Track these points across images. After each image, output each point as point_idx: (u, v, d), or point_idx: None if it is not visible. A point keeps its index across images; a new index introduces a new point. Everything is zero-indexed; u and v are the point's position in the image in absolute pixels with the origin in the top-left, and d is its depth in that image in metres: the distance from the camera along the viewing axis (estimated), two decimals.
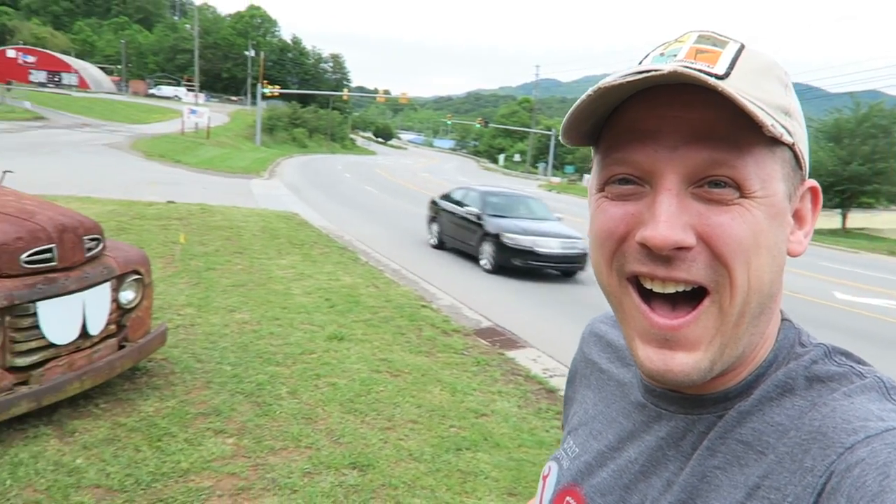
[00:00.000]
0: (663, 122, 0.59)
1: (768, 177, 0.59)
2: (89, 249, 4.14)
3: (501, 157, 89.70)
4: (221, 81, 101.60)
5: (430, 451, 4.14)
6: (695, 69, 0.56)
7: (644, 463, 0.69)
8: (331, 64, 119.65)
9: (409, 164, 63.22)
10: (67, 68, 77.43)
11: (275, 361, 5.32)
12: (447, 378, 5.44)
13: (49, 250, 3.84)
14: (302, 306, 7.11)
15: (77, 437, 3.81)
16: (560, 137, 0.66)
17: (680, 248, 0.58)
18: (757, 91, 0.58)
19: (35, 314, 3.74)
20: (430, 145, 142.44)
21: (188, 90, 77.68)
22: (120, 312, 4.44)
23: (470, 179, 43.91)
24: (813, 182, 0.67)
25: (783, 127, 0.59)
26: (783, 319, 0.69)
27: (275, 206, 16.41)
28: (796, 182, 0.64)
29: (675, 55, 0.60)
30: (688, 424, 0.67)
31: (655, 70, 0.55)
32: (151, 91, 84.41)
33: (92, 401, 4.22)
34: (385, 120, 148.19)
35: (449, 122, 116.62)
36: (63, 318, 3.90)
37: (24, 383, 3.74)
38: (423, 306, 7.99)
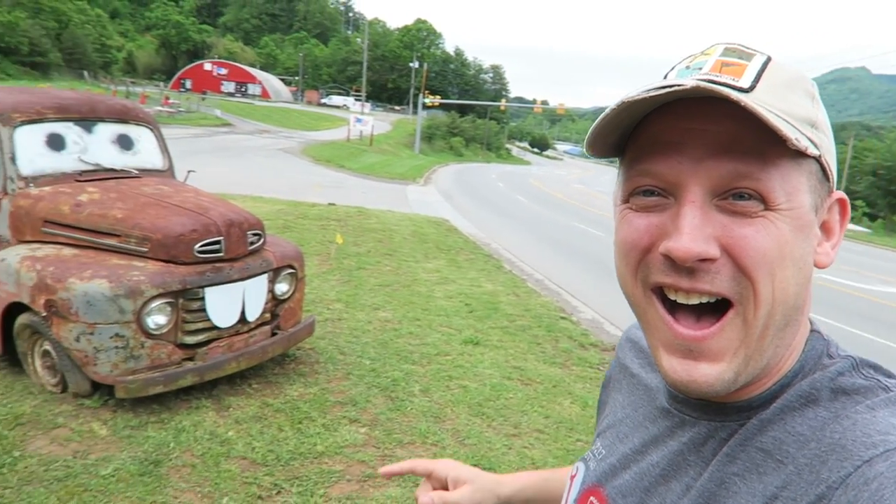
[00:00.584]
0: (688, 134, 0.59)
1: (794, 189, 0.59)
2: (251, 243, 4.57)
3: None
4: (386, 91, 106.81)
5: (554, 462, 4.11)
6: (719, 83, 0.57)
7: (665, 467, 0.70)
8: (491, 75, 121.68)
9: (562, 174, 62.62)
10: (253, 79, 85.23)
11: (411, 360, 5.54)
12: (579, 391, 5.37)
13: (218, 242, 4.30)
14: (442, 309, 7.33)
15: (231, 412, 4.21)
16: (584, 149, 0.68)
17: (704, 260, 0.59)
18: (783, 104, 0.58)
19: (203, 299, 4.20)
20: (587, 156, 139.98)
21: (356, 100, 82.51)
22: (275, 302, 4.85)
23: None
24: (841, 194, 0.66)
25: (809, 140, 0.58)
26: (812, 331, 0.68)
27: (427, 212, 17.00)
28: (823, 194, 0.63)
29: (701, 68, 0.61)
30: (710, 431, 0.67)
31: (679, 85, 0.56)
32: (323, 100, 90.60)
33: (246, 380, 4.65)
34: (542, 130, 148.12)
35: None
36: (226, 303, 4.34)
37: (191, 360, 4.21)
38: (563, 318, 7.91)
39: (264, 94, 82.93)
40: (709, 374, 0.61)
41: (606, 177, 66.79)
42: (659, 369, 0.65)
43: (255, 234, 4.62)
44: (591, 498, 0.79)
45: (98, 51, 75.45)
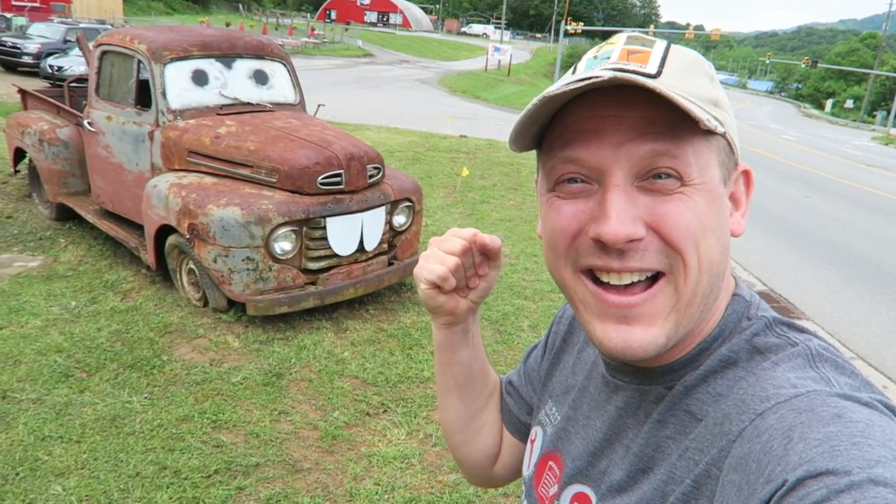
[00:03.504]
0: (605, 121, 0.62)
1: (706, 164, 0.63)
2: (371, 176, 4.77)
3: (829, 103, 77.93)
4: (528, 19, 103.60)
5: None
6: (628, 70, 0.60)
7: (607, 431, 0.75)
8: None
9: None
10: (395, 9, 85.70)
11: (524, 295, 5.61)
12: None
13: (339, 175, 4.53)
14: None
15: (348, 334, 4.53)
16: (508, 146, 0.69)
17: (632, 241, 0.61)
18: (687, 86, 0.61)
19: (324, 227, 4.48)
20: (744, 87, 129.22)
21: (495, 28, 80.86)
22: (392, 234, 5.07)
23: (785, 127, 39.33)
24: (745, 165, 0.70)
25: (715, 118, 0.61)
26: (734, 294, 0.71)
27: None
28: (731, 167, 0.67)
29: (609, 57, 0.63)
30: (641, 395, 0.72)
31: (596, 77, 0.58)
32: (463, 29, 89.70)
33: (363, 306, 4.95)
34: None
35: (768, 62, 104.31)
36: (346, 233, 4.60)
37: (313, 284, 4.54)
38: None
39: (405, 24, 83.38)
40: (643, 338, 0.63)
41: (763, 109, 61.72)
42: (593, 341, 0.68)
43: (374, 168, 4.81)
44: (550, 462, 0.85)
45: None
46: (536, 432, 0.91)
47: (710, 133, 0.61)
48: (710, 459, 0.60)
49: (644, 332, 0.63)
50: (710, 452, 0.60)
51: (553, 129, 0.66)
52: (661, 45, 0.64)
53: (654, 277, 0.63)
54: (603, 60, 0.63)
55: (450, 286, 0.84)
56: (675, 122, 0.59)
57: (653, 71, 0.60)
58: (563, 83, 0.61)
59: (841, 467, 0.48)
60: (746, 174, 0.71)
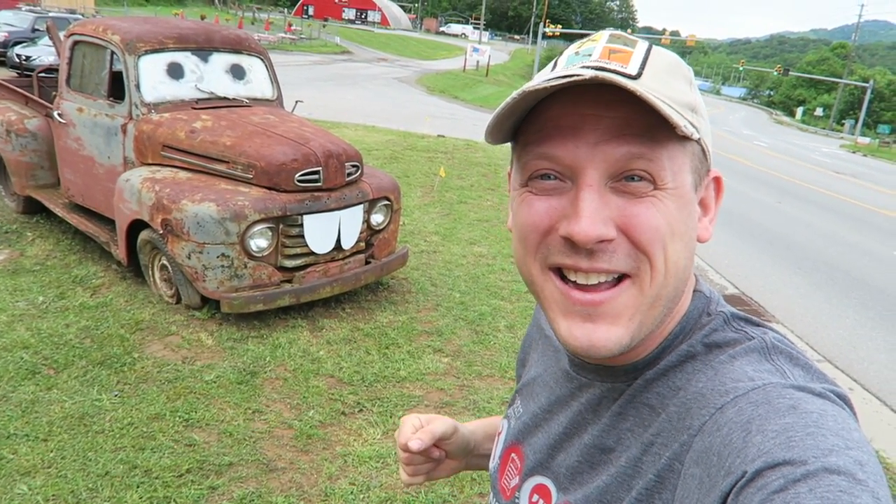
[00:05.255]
0: (584, 119, 0.62)
1: (679, 169, 0.63)
2: (349, 174, 4.73)
3: (799, 111, 79.37)
4: (507, 20, 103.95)
5: None
6: (609, 69, 0.60)
7: (567, 425, 0.77)
8: (617, 2, 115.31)
9: None
10: (373, 6, 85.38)
11: (500, 296, 5.62)
12: None
13: (317, 172, 4.48)
14: None
15: (324, 333, 4.49)
16: (484, 138, 0.69)
17: (601, 241, 0.62)
18: (667, 89, 0.61)
19: (301, 225, 4.43)
20: (717, 93, 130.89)
21: (474, 28, 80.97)
22: (369, 232, 5.04)
23: (757, 133, 39.95)
24: (717, 172, 0.71)
25: (692, 124, 0.62)
26: (695, 290, 0.73)
27: None
28: (703, 173, 0.68)
29: (590, 55, 0.63)
30: (603, 392, 0.73)
31: (578, 75, 0.58)
32: (441, 29, 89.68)
33: (340, 305, 4.91)
34: None
35: (741, 69, 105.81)
36: (323, 231, 4.56)
37: (289, 282, 4.49)
38: None
39: (384, 21, 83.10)
40: (607, 336, 0.64)
41: (736, 115, 62.70)
42: (559, 338, 0.68)
43: (353, 166, 4.77)
44: (513, 454, 0.87)
45: None
46: (502, 425, 0.94)
47: (685, 138, 0.62)
48: (671, 454, 0.61)
49: (608, 330, 0.64)
50: (672, 447, 0.62)
51: (530, 123, 0.65)
52: (642, 45, 0.65)
53: (620, 278, 0.64)
54: (584, 58, 0.63)
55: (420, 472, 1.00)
56: (652, 125, 0.60)
57: (633, 72, 0.61)
58: (544, 79, 0.60)
59: (797, 457, 0.50)
60: (717, 181, 0.72)
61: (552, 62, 0.68)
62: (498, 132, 0.67)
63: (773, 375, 0.60)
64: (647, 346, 0.70)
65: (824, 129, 65.08)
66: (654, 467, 0.63)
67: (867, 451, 0.51)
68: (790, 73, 73.02)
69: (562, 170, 0.64)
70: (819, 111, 75.69)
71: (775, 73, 72.98)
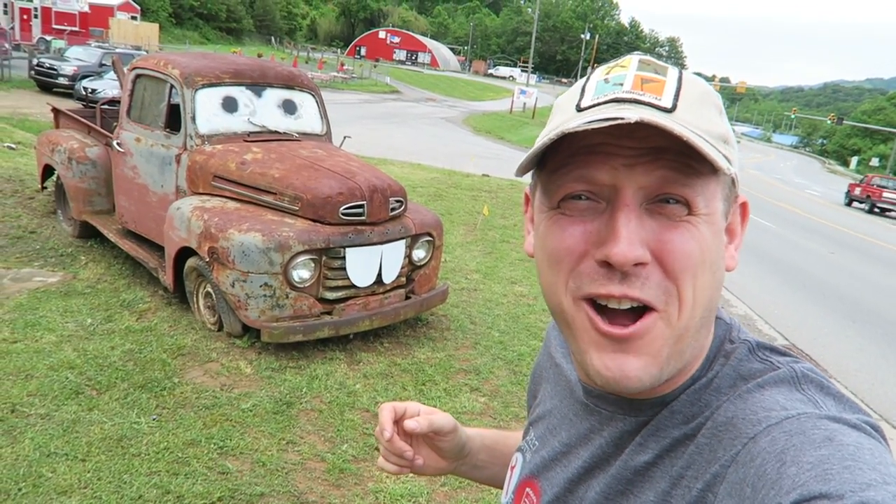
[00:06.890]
0: (619, 143, 0.61)
1: (712, 196, 0.63)
2: (393, 209, 4.77)
3: (854, 160, 77.49)
4: (555, 63, 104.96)
5: None
6: (644, 102, 0.60)
7: (588, 459, 0.74)
8: (666, 48, 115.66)
9: (737, 158, 58.33)
10: (423, 48, 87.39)
11: (540, 336, 5.53)
12: None
13: (361, 206, 4.53)
14: None
15: (361, 366, 4.48)
16: (515, 173, 0.67)
17: (637, 265, 0.61)
18: (700, 121, 0.61)
19: (344, 258, 4.47)
20: (768, 140, 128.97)
21: (522, 71, 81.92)
22: (410, 267, 5.05)
23: (810, 182, 39.11)
24: (744, 198, 0.70)
25: (725, 158, 0.61)
26: (716, 318, 0.71)
27: None
28: (731, 200, 0.67)
29: (621, 84, 0.63)
30: (626, 425, 0.71)
31: (622, 119, 0.57)
32: (490, 71, 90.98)
33: (378, 339, 4.91)
34: None
35: (793, 116, 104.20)
36: (364, 264, 4.59)
37: (329, 314, 4.51)
38: None
39: (433, 63, 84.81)
40: (639, 367, 0.63)
41: (787, 163, 61.52)
42: (588, 371, 0.66)
43: (397, 201, 4.81)
44: (528, 489, 0.84)
45: (285, 18, 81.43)
46: (516, 458, 0.91)
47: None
48: (703, 485, 0.60)
49: (638, 361, 0.63)
50: (704, 478, 0.60)
51: (560, 148, 0.64)
52: (673, 73, 0.64)
53: (645, 309, 0.62)
54: (616, 87, 0.63)
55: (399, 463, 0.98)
56: (688, 154, 0.59)
57: (668, 105, 0.60)
58: (586, 121, 0.59)
59: (834, 491, 0.48)
60: (744, 206, 0.71)
61: (580, 87, 0.67)
62: (528, 165, 0.66)
63: (806, 405, 0.59)
64: (677, 381, 0.68)
65: None
66: (684, 500, 0.61)
67: None
68: (844, 121, 71.55)
69: (597, 190, 0.63)
70: (875, 161, 73.62)
71: (829, 122, 71.62)
